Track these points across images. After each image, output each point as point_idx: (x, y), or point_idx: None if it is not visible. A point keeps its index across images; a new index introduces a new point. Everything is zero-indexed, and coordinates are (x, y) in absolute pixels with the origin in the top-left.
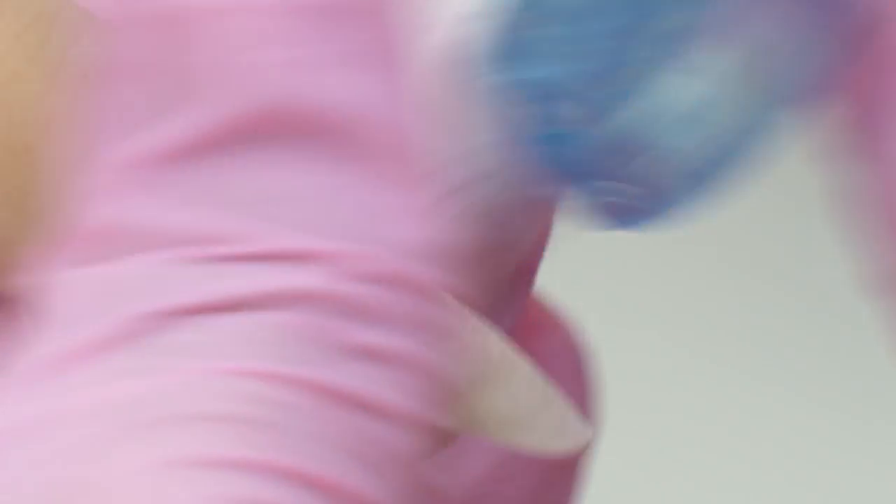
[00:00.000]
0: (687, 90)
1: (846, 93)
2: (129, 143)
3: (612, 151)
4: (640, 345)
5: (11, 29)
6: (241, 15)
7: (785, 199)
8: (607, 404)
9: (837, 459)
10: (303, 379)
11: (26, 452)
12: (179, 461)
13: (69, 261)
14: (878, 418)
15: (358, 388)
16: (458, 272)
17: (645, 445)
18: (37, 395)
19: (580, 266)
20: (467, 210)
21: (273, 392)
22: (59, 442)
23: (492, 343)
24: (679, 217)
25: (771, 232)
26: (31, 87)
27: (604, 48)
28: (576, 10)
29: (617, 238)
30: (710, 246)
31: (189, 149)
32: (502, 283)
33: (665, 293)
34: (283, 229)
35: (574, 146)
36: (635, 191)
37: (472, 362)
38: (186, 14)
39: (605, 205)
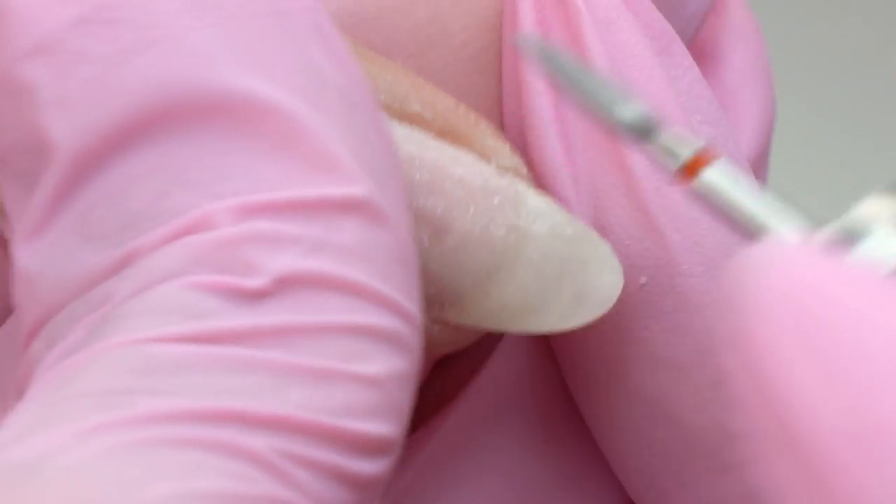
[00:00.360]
0: None
1: None
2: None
3: None
4: None
5: None
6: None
7: None
8: None
9: None
10: (211, 331)
11: None
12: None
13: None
14: None
15: (277, 322)
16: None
17: None
18: None
19: None
20: None
21: (178, 349)
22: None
23: (497, 227)
24: None
25: None
26: None
27: None
28: None
29: None
30: None
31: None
32: None
33: None
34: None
35: None
36: None
37: (473, 258)
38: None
39: None
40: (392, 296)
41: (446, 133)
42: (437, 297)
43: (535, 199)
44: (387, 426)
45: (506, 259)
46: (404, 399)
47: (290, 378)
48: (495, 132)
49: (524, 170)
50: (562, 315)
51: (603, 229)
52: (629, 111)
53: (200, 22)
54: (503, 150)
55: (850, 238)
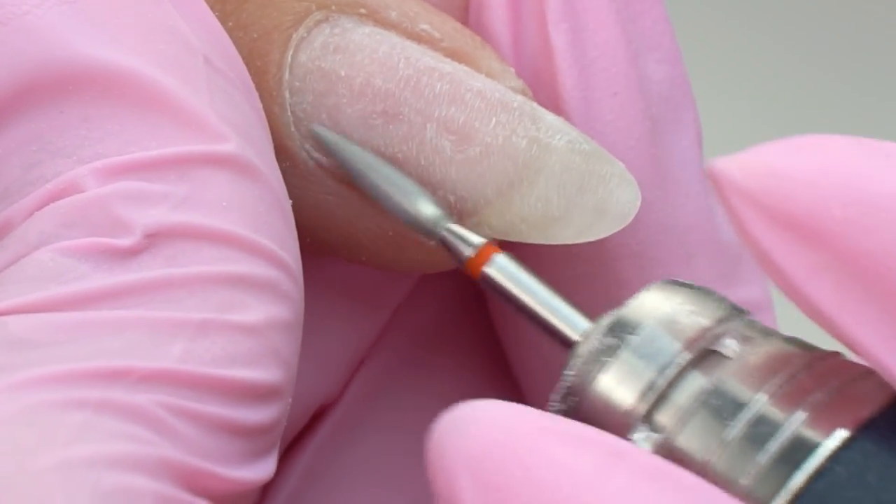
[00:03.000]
0: None
1: None
2: None
3: None
4: None
5: None
6: None
7: None
8: None
9: None
10: (86, 294)
11: None
12: None
13: None
14: None
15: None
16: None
17: None
18: None
19: None
20: None
21: (54, 317)
22: None
23: (519, 138)
24: None
25: None
26: None
27: None
28: None
29: None
30: None
31: None
32: None
33: None
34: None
35: None
36: None
37: (496, 167)
38: None
39: None
40: (267, 245)
41: (454, 54)
42: (455, 206)
43: (550, 116)
44: (269, 373)
45: (528, 170)
46: (286, 346)
47: (168, 332)
48: (499, 56)
49: (529, 92)
50: (581, 229)
51: None
52: (420, 207)
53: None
54: (508, 73)
55: (622, 329)
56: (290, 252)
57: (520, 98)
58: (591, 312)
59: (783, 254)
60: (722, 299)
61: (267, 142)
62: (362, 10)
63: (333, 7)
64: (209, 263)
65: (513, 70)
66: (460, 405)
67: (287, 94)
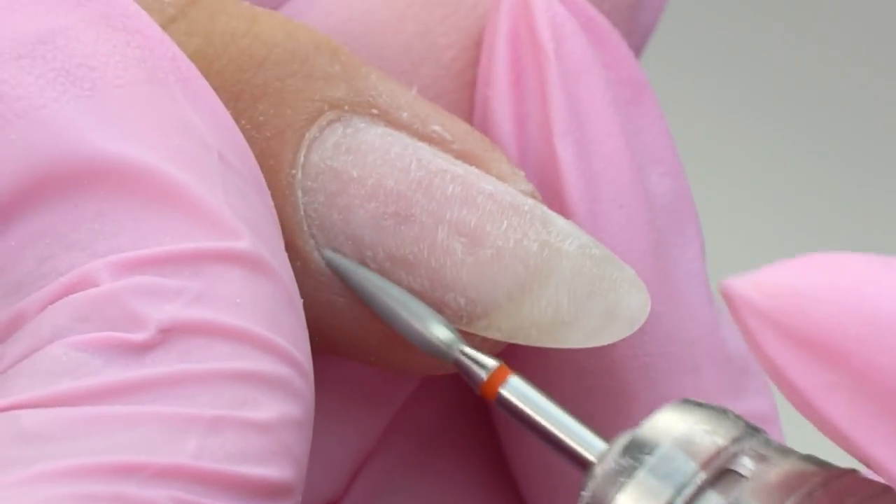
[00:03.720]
0: None
1: None
2: None
3: None
4: None
5: None
6: None
7: None
8: None
9: None
10: (100, 389)
11: None
12: None
13: None
14: None
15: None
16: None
17: None
18: None
19: None
20: None
21: (68, 412)
22: None
23: (530, 242)
24: None
25: None
26: None
27: None
28: None
29: None
30: None
31: None
32: None
33: None
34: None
35: None
36: None
37: (507, 270)
38: None
39: None
40: (280, 343)
41: (465, 155)
42: (465, 308)
43: (560, 220)
44: (281, 471)
45: (539, 274)
46: (298, 444)
47: (182, 428)
48: (509, 158)
49: (539, 196)
50: (590, 333)
51: None
52: (434, 330)
53: (67, 94)
54: (518, 176)
55: (638, 450)
56: (301, 350)
57: (530, 201)
58: (600, 425)
59: (798, 371)
60: (737, 418)
61: (279, 239)
62: (374, 111)
63: (346, 107)
64: (222, 360)
65: (522, 173)
66: None
67: (299, 194)
